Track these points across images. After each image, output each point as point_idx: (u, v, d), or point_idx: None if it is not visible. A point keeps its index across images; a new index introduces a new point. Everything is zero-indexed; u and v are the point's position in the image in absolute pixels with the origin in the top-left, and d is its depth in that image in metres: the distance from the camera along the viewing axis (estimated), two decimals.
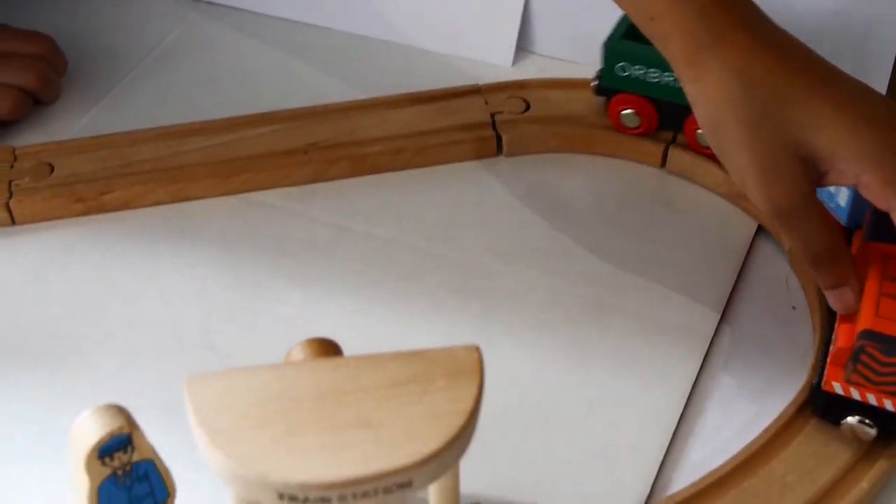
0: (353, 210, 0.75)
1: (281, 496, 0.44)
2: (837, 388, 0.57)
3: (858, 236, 0.63)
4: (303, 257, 0.72)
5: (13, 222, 0.74)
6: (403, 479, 0.45)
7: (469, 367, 0.48)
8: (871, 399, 0.56)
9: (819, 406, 0.58)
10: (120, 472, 0.51)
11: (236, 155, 0.77)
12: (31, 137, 0.80)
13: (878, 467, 0.58)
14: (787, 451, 0.59)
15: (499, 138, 0.78)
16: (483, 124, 0.78)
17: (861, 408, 0.57)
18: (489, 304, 0.68)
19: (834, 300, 0.59)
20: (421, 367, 0.48)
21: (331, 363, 0.49)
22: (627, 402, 0.62)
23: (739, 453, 0.59)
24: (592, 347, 0.65)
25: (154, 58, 0.87)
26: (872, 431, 0.57)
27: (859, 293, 0.58)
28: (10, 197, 0.74)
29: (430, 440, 0.45)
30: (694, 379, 0.63)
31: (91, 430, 0.50)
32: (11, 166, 0.77)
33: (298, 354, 0.53)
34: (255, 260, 0.72)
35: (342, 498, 0.44)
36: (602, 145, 0.78)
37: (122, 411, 0.51)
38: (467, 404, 0.47)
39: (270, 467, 0.45)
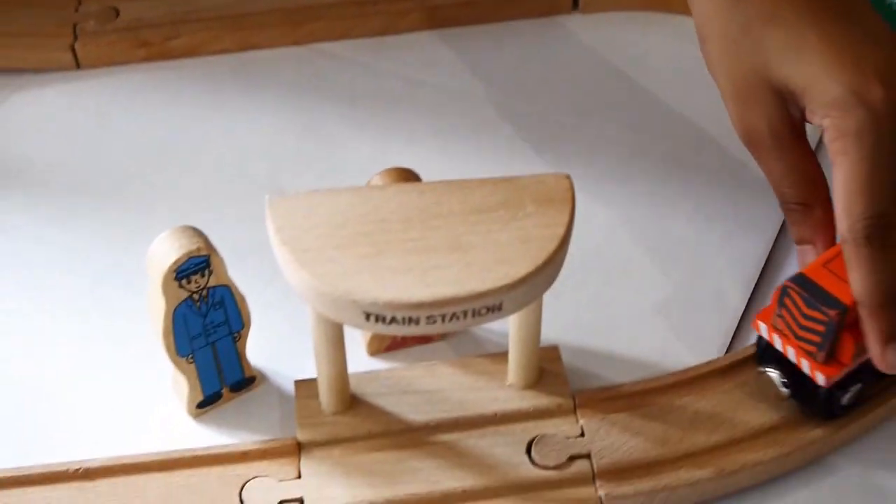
0: (424, 63, 0.73)
1: (367, 316, 0.43)
2: (763, 329, 0.51)
3: None
4: (374, 107, 0.70)
5: (78, 66, 0.73)
6: (494, 302, 0.44)
7: (559, 194, 0.47)
8: (791, 354, 0.50)
9: (759, 349, 0.52)
10: (196, 297, 0.50)
11: (305, 3, 0.75)
12: None
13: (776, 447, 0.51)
14: (724, 386, 0.53)
15: None
16: None
17: (781, 361, 0.51)
18: (565, 156, 0.66)
19: (798, 256, 0.54)
20: (510, 192, 0.47)
21: (417, 187, 0.47)
22: (709, 254, 0.60)
23: (677, 374, 0.54)
24: (673, 200, 0.63)
25: None
26: (785, 391, 0.51)
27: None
28: (75, 40, 0.73)
29: (521, 264, 0.44)
30: (777, 230, 0.61)
31: (168, 250, 0.49)
32: (76, 10, 0.75)
33: (378, 182, 0.52)
34: (325, 109, 0.70)
35: (430, 319, 0.43)
36: (681, 3, 0.75)
37: (199, 233, 0.50)
38: (558, 230, 0.45)
39: (357, 285, 0.43)
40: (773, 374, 0.51)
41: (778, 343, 0.51)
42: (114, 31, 0.73)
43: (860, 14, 0.50)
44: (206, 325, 0.52)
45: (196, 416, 0.54)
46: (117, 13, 0.75)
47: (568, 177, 0.47)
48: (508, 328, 0.51)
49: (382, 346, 0.56)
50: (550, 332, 0.54)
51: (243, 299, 0.52)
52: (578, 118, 0.69)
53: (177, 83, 0.72)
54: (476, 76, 0.72)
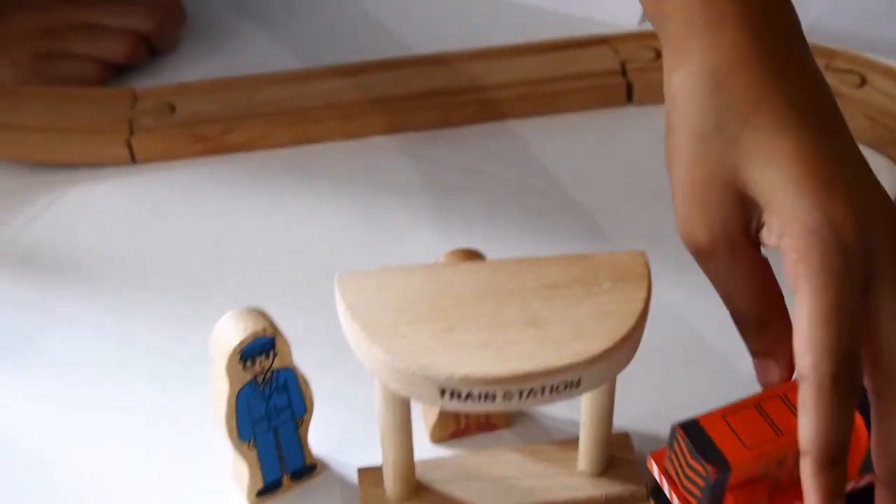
0: (479, 154, 0.73)
1: (443, 392, 0.42)
2: (655, 469, 0.48)
3: None
4: (430, 197, 0.70)
5: (133, 160, 0.73)
6: (572, 378, 0.42)
7: (636, 270, 0.46)
8: (665, 489, 0.47)
9: (650, 489, 0.50)
10: (260, 380, 0.49)
11: (360, 98, 0.75)
12: (150, 83, 0.78)
13: None
14: None
15: (629, 87, 0.75)
16: (612, 72, 0.76)
17: None
18: (624, 243, 0.65)
19: (756, 369, 0.49)
20: (584, 269, 0.46)
21: (488, 264, 0.46)
22: None
23: None
24: None
25: (271, 5, 0.86)
26: None
27: (787, 369, 0.47)
28: (132, 135, 0.73)
29: (599, 339, 0.43)
30: None
31: (234, 331, 0.48)
32: (132, 106, 0.75)
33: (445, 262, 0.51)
34: (381, 200, 0.70)
35: (507, 395, 0.42)
36: None
37: (265, 314, 0.49)
38: (637, 305, 0.44)
39: (432, 361, 0.42)
40: None
41: (666, 488, 0.47)
42: (170, 127, 0.74)
43: (837, 132, 0.46)
44: (269, 408, 0.50)
45: None
46: (173, 109, 0.75)
47: (643, 254, 0.46)
48: (581, 414, 0.49)
49: (446, 434, 0.55)
50: (619, 420, 0.52)
51: (307, 383, 0.51)
52: (636, 207, 0.68)
53: (232, 176, 0.72)
54: (531, 166, 0.72)
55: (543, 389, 0.42)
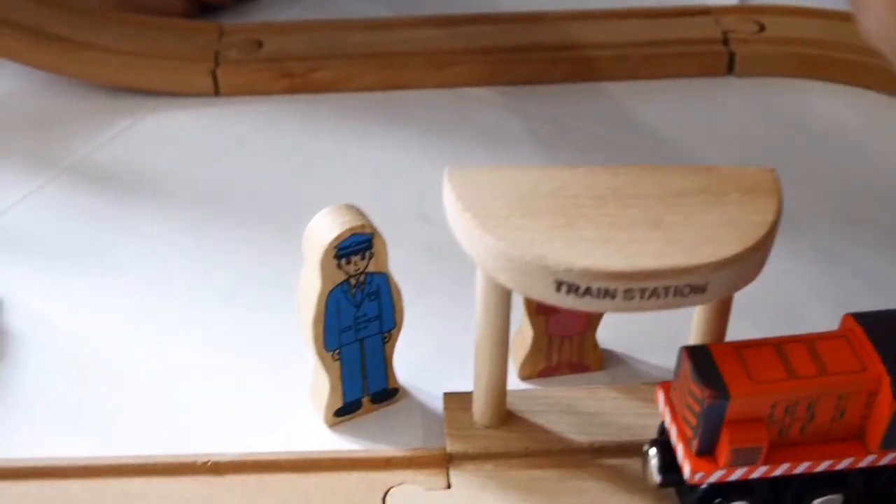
0: (572, 111, 0.70)
1: (559, 285, 0.39)
2: (661, 399, 0.44)
3: None
4: (521, 148, 0.67)
5: (217, 92, 0.71)
6: (698, 282, 0.39)
7: (765, 185, 0.43)
8: (673, 433, 0.44)
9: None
10: (353, 282, 0.46)
11: (453, 47, 0.73)
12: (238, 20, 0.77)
13: None
14: None
15: (730, 57, 0.73)
16: (714, 40, 0.74)
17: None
18: None
19: None
20: (711, 180, 0.43)
21: (608, 168, 0.44)
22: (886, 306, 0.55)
23: None
24: (845, 254, 0.59)
25: None
26: (656, 478, 0.44)
27: None
28: (216, 66, 0.71)
29: (728, 245, 0.40)
30: None
31: (331, 226, 0.45)
32: (219, 40, 0.73)
33: None
34: (470, 147, 0.67)
35: (628, 294, 0.39)
36: (844, 72, 0.72)
37: (362, 213, 0.46)
38: (768, 216, 0.41)
39: (550, 252, 0.39)
40: (653, 454, 0.44)
41: (667, 417, 0.44)
42: (256, 61, 0.72)
43: None
44: (358, 317, 0.48)
45: (332, 425, 0.50)
46: (260, 45, 0.73)
47: (773, 170, 0.43)
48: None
49: (536, 371, 0.52)
50: None
51: (399, 293, 0.48)
52: None
53: (317, 115, 0.70)
54: (626, 128, 0.69)
55: (668, 290, 0.39)
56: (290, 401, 0.51)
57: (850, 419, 0.42)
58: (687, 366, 0.42)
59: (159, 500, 0.45)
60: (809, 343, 0.43)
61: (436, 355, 0.54)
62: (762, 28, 0.74)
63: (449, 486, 0.46)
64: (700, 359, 0.41)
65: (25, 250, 0.60)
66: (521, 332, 0.51)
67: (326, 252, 0.45)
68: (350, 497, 0.45)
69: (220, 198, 0.64)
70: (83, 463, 0.47)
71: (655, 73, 0.73)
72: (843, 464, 0.43)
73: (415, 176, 0.65)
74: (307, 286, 0.47)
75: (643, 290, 0.39)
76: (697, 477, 0.42)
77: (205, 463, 0.47)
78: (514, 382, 0.52)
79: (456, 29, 0.74)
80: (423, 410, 0.51)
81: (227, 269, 0.59)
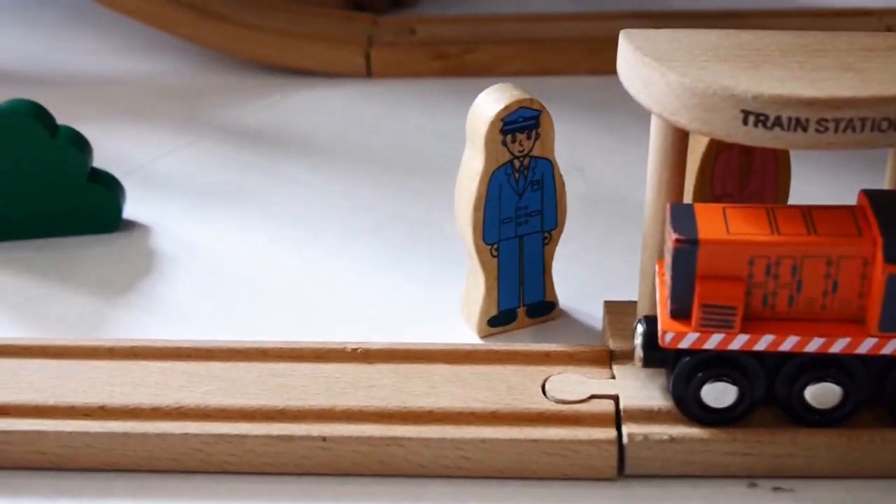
0: None
1: (746, 116, 0.37)
2: (656, 269, 0.42)
3: None
4: None
5: (369, 73, 0.71)
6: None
7: None
8: (657, 298, 0.41)
9: None
10: (517, 164, 0.45)
11: (609, 35, 0.71)
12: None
13: None
14: None
15: None
16: None
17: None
18: None
19: None
20: None
21: (792, 32, 0.41)
22: None
23: None
24: None
25: None
26: (639, 353, 0.41)
27: None
28: (370, 46, 0.71)
29: None
30: None
31: (496, 100, 0.44)
32: (373, 26, 0.74)
33: None
34: (624, 136, 0.65)
35: (821, 125, 0.37)
36: None
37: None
38: None
39: (737, 83, 0.37)
40: (640, 331, 0.41)
41: (657, 285, 0.41)
42: (409, 44, 0.72)
43: None
44: (519, 208, 0.46)
45: (484, 336, 0.48)
46: (414, 32, 0.73)
47: None
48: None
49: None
50: None
51: (563, 187, 0.46)
52: None
53: (470, 98, 0.69)
54: None
55: (863, 123, 0.37)
56: (441, 315, 0.49)
57: (845, 295, 0.39)
58: (669, 221, 0.39)
59: (304, 380, 0.43)
60: (807, 210, 0.40)
61: (591, 282, 0.51)
62: None
63: (613, 378, 0.43)
64: (681, 212, 0.39)
65: (176, 188, 0.60)
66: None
67: (492, 125, 0.44)
68: (507, 383, 0.43)
69: (367, 154, 0.63)
70: (229, 345, 0.45)
71: None
72: (838, 346, 0.39)
73: (571, 145, 0.63)
74: (468, 169, 0.45)
75: (837, 122, 0.36)
76: (668, 338, 0.39)
77: (354, 350, 0.44)
78: None
79: (614, 22, 0.73)
80: (581, 329, 0.49)
81: (375, 209, 0.57)
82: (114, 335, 0.48)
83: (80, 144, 0.54)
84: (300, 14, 0.73)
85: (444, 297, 0.50)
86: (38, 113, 0.53)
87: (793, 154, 0.46)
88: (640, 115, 0.64)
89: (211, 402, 0.42)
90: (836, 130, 0.37)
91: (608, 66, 0.69)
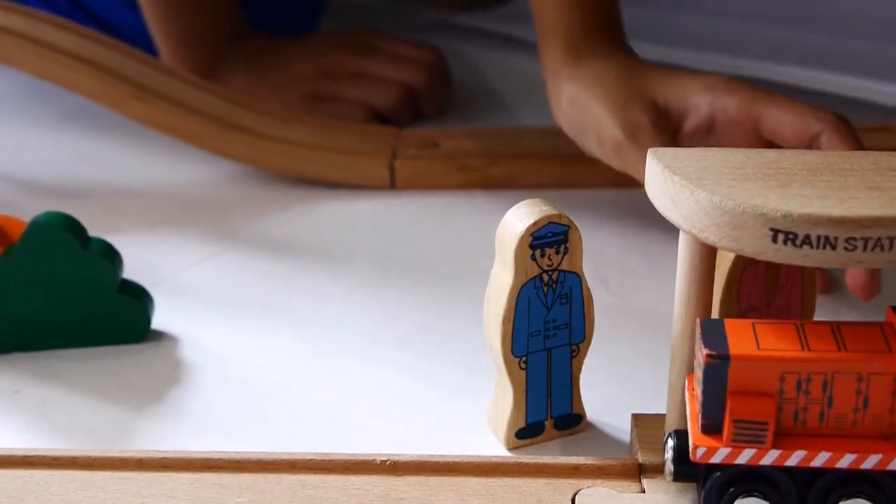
0: None
1: (776, 234, 0.38)
2: (686, 385, 0.43)
3: None
4: None
5: (393, 185, 0.72)
6: None
7: None
8: (688, 413, 0.42)
9: None
10: (545, 278, 0.45)
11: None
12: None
13: None
14: None
15: None
16: None
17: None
18: None
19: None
20: None
21: (818, 152, 0.42)
22: None
23: None
24: None
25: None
26: (669, 468, 0.42)
27: None
28: (394, 158, 0.72)
29: None
30: None
31: (525, 217, 0.45)
32: (396, 139, 0.75)
33: None
34: (643, 249, 0.66)
35: (850, 242, 0.37)
36: None
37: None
38: None
39: (766, 202, 0.38)
40: (670, 445, 0.41)
41: (687, 399, 0.41)
42: (433, 157, 0.73)
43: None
44: (548, 321, 0.46)
45: (512, 448, 0.48)
46: (437, 145, 0.74)
47: None
48: None
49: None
50: None
51: (591, 301, 0.47)
52: None
53: (493, 210, 0.70)
54: None
55: (891, 242, 0.37)
56: (468, 427, 0.50)
57: (877, 411, 0.39)
58: (700, 337, 0.39)
59: (334, 492, 0.43)
60: (836, 326, 0.40)
61: (617, 394, 0.51)
62: None
63: (643, 491, 0.43)
64: (711, 327, 0.40)
65: (204, 298, 0.60)
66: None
67: (521, 240, 0.44)
68: (537, 496, 0.43)
69: (392, 265, 0.64)
70: (259, 457, 0.45)
71: None
72: (870, 462, 0.39)
73: (597, 255, 0.64)
74: (498, 282, 0.46)
75: (866, 241, 0.37)
76: (700, 453, 0.39)
77: (384, 462, 0.45)
78: None
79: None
80: (609, 440, 0.49)
81: (401, 321, 0.58)
82: (143, 446, 0.49)
83: (111, 256, 0.55)
84: (325, 127, 0.74)
85: (472, 408, 0.50)
86: (70, 225, 0.54)
87: None
88: (662, 227, 0.65)
89: None
90: (864, 249, 0.37)
91: (629, 180, 0.70)
